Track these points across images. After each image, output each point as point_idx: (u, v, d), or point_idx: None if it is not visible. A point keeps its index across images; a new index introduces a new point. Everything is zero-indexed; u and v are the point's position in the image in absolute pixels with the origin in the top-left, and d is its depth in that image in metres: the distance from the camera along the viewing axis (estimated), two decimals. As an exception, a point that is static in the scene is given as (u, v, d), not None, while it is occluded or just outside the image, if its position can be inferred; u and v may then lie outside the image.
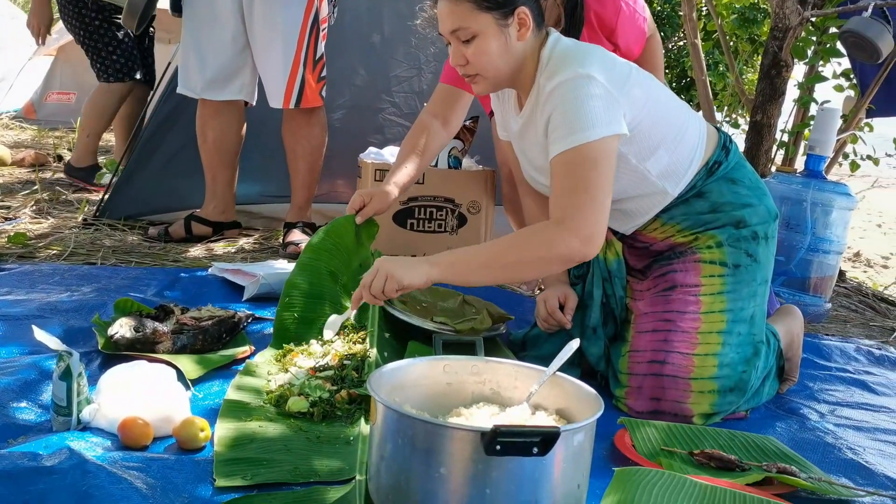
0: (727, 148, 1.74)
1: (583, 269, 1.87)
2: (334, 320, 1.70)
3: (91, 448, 1.26)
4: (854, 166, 3.71)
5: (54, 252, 2.62)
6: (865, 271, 4.76)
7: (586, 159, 1.50)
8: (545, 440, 1.02)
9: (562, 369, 1.28)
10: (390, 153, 2.87)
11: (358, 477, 1.24)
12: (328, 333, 1.69)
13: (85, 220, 3.03)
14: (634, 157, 1.63)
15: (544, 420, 1.22)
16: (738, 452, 1.49)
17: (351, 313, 1.64)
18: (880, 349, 2.38)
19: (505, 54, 1.57)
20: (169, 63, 3.27)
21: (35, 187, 3.55)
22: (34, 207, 3.25)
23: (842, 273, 3.30)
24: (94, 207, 3.14)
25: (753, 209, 1.71)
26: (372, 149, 2.88)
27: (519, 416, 1.22)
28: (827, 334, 2.56)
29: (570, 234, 1.48)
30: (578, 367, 1.81)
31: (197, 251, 2.81)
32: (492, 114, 2.53)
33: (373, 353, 1.69)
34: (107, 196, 3.09)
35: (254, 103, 2.90)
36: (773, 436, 1.62)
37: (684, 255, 1.70)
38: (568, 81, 1.52)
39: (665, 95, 1.68)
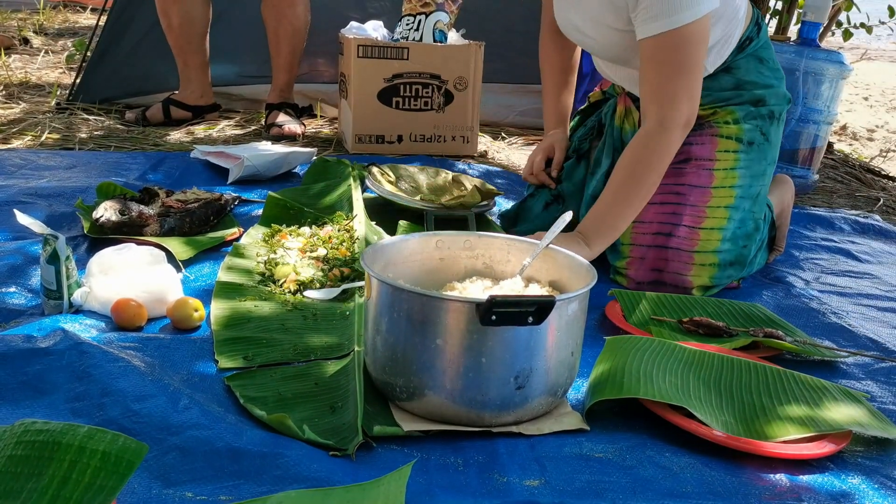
0: (759, 25, 1.70)
1: (588, 128, 1.87)
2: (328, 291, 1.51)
3: (85, 330, 1.26)
4: (847, 34, 3.61)
5: (29, 137, 2.55)
6: (851, 144, 4.74)
7: (685, 41, 1.48)
8: (540, 309, 1.02)
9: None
10: (373, 28, 2.75)
11: (356, 348, 1.25)
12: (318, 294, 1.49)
13: (58, 104, 2.93)
14: None
15: (538, 292, 1.22)
16: (726, 319, 1.52)
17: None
18: (866, 218, 2.40)
19: None
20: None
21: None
22: (4, 92, 3.14)
23: (829, 145, 3.28)
24: (67, 91, 3.03)
25: (773, 90, 1.69)
26: (353, 24, 2.75)
27: (512, 289, 1.22)
28: (813, 205, 2.57)
29: (674, 132, 1.53)
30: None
31: (178, 134, 2.74)
32: None
33: (361, 230, 1.68)
34: (79, 79, 2.98)
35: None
36: (759, 303, 1.65)
37: (702, 128, 1.67)
38: None
39: None
